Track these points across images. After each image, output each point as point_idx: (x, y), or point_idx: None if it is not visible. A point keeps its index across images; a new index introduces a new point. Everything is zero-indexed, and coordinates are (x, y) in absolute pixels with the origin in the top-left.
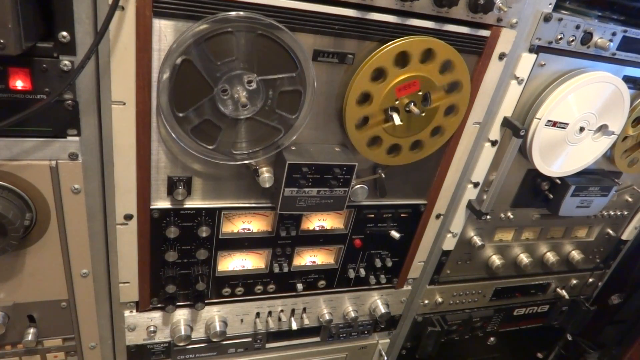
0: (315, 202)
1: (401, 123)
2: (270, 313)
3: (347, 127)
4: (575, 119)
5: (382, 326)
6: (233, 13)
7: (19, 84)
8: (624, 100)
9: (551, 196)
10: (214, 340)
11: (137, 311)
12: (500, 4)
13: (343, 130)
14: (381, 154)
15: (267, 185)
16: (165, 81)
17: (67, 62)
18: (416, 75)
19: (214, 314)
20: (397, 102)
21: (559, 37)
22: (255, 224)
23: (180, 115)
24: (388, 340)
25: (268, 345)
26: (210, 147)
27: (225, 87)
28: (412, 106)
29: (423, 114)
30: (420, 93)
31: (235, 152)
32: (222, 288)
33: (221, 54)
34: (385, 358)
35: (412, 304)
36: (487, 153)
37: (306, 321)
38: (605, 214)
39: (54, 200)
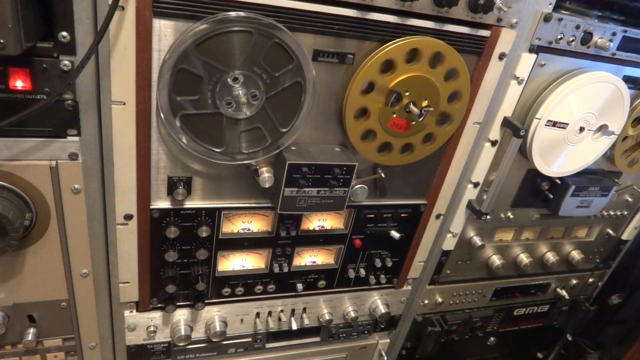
0: (315, 202)
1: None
2: (270, 313)
3: (345, 118)
4: (575, 119)
5: (382, 326)
6: (233, 13)
7: (19, 84)
8: (624, 100)
9: (551, 196)
10: (214, 340)
11: (137, 311)
12: (500, 4)
13: (343, 130)
14: (372, 149)
15: (267, 185)
16: (165, 84)
17: (67, 62)
18: (422, 76)
19: (214, 314)
20: (407, 94)
21: (559, 37)
22: (255, 224)
23: (218, 150)
24: (388, 340)
25: (268, 345)
26: (217, 150)
27: (239, 77)
28: (412, 106)
29: (412, 123)
30: (424, 102)
31: (235, 152)
32: (222, 288)
33: (271, 61)
34: (385, 358)
35: (412, 304)
36: (487, 153)
37: (306, 321)
38: (605, 214)
39: (54, 200)
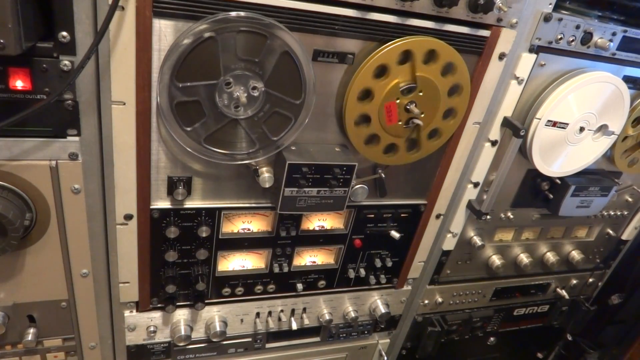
0: (315, 202)
1: (421, 123)
2: (270, 313)
3: (346, 124)
4: (575, 119)
5: (382, 326)
6: (233, 13)
7: (19, 84)
8: (624, 100)
9: (551, 196)
10: (214, 340)
11: (137, 311)
12: (500, 4)
13: (343, 130)
14: (378, 152)
15: (267, 185)
16: (178, 49)
17: (67, 62)
18: (418, 75)
19: (214, 314)
20: (397, 101)
21: (559, 37)
22: (255, 224)
23: (228, 153)
24: (388, 340)
25: (268, 345)
26: (247, 152)
27: (230, 80)
28: (412, 106)
29: (422, 115)
30: (421, 94)
31: (235, 152)
32: (222, 288)
33: (246, 51)
34: (385, 358)
35: (412, 304)
36: (487, 153)
37: (306, 321)
38: (605, 214)
39: (54, 200)
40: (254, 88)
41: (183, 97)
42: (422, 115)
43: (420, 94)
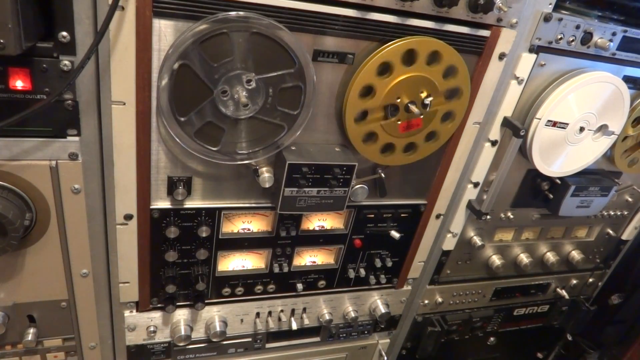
0: (315, 202)
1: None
2: (270, 313)
3: (345, 121)
4: (575, 119)
5: (382, 326)
6: (233, 13)
7: (19, 84)
8: (624, 100)
9: (551, 196)
10: (214, 340)
11: (137, 311)
12: (500, 4)
13: (343, 130)
14: (375, 151)
15: (267, 185)
16: (165, 86)
17: (67, 62)
18: (420, 75)
19: (214, 314)
20: (398, 100)
21: (559, 37)
22: (255, 224)
23: (182, 119)
24: (388, 340)
25: (268, 345)
26: (214, 149)
27: (224, 88)
28: (412, 106)
29: (422, 116)
30: (422, 94)
31: (235, 152)
32: (222, 288)
33: (218, 56)
34: (385, 358)
35: (412, 304)
36: (487, 153)
37: (306, 321)
38: (605, 214)
39: (54, 200)
40: (249, 81)
41: (197, 123)
42: (421, 117)
43: (422, 94)
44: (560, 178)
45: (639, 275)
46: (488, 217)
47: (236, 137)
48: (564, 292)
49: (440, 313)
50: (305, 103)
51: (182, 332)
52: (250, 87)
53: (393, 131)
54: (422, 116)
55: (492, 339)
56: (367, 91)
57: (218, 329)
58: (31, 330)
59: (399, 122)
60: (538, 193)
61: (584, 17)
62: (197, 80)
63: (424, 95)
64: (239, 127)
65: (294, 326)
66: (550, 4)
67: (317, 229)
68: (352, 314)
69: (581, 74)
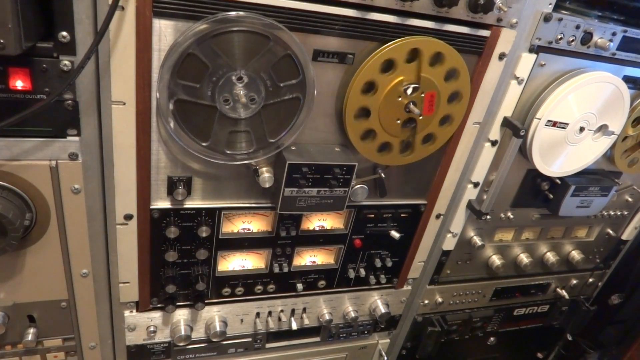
0: (315, 202)
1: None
2: (270, 313)
3: (345, 117)
4: (575, 119)
5: (382, 326)
6: (233, 13)
7: (19, 84)
8: (624, 100)
9: (551, 196)
10: (214, 340)
11: (137, 311)
12: (500, 4)
13: (343, 130)
14: (372, 150)
15: (267, 185)
16: (174, 127)
17: (67, 62)
18: (423, 76)
19: (214, 314)
20: (399, 99)
21: (559, 37)
22: (255, 224)
23: (206, 144)
24: (388, 340)
25: (268, 345)
26: (246, 152)
27: (224, 97)
28: (412, 107)
29: (421, 117)
30: (422, 95)
31: (235, 152)
32: (222, 288)
33: (196, 76)
34: (385, 358)
35: (412, 304)
36: (487, 153)
37: (306, 321)
38: (605, 214)
39: (54, 200)
40: (253, 100)
41: (221, 137)
42: (420, 118)
43: (422, 95)
44: (560, 178)
45: (639, 275)
46: (488, 217)
47: (261, 131)
48: (564, 292)
49: (440, 313)
50: (303, 66)
51: (182, 332)
52: (244, 83)
53: (391, 129)
54: (421, 117)
55: (492, 339)
56: (369, 87)
57: (218, 329)
58: (31, 330)
59: (423, 95)
60: (538, 193)
61: (584, 17)
62: (196, 106)
63: (423, 95)
64: (258, 121)
65: (294, 326)
66: (550, 4)
67: (317, 229)
68: (352, 314)
69: (581, 74)
